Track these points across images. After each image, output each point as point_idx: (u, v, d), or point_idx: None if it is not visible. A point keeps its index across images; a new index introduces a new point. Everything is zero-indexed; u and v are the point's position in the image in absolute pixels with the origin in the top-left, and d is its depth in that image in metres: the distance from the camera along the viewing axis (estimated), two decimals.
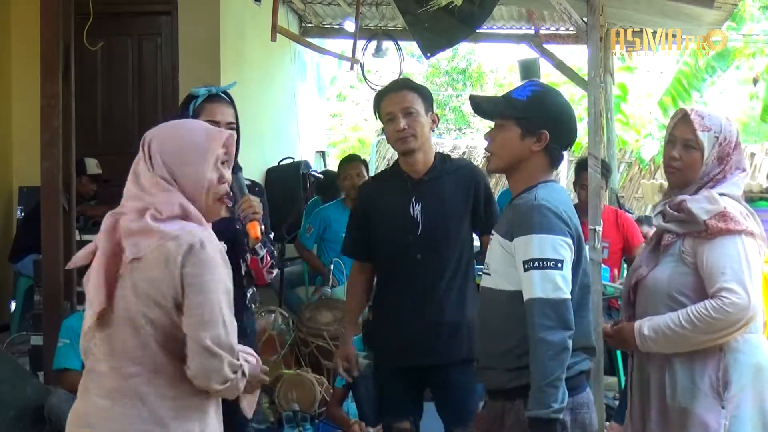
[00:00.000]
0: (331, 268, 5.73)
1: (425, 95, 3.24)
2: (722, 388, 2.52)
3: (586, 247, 2.43)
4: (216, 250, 2.05)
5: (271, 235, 3.16)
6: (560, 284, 2.27)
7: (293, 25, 9.13)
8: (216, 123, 2.78)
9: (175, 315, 2.02)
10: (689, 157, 2.63)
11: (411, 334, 3.19)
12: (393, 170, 3.37)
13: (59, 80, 4.58)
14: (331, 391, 4.65)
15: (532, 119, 2.39)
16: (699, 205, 2.55)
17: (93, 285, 2.05)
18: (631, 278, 2.73)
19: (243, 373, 2.08)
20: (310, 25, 9.72)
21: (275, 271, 3.11)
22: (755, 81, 12.33)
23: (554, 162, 2.44)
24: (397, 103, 3.17)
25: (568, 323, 2.26)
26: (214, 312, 2.00)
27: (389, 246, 3.23)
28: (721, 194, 2.58)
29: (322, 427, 4.57)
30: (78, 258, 2.14)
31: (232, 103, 2.94)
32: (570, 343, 2.25)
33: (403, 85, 3.28)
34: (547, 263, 2.27)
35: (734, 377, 2.52)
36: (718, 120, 2.65)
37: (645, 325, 2.55)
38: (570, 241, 2.31)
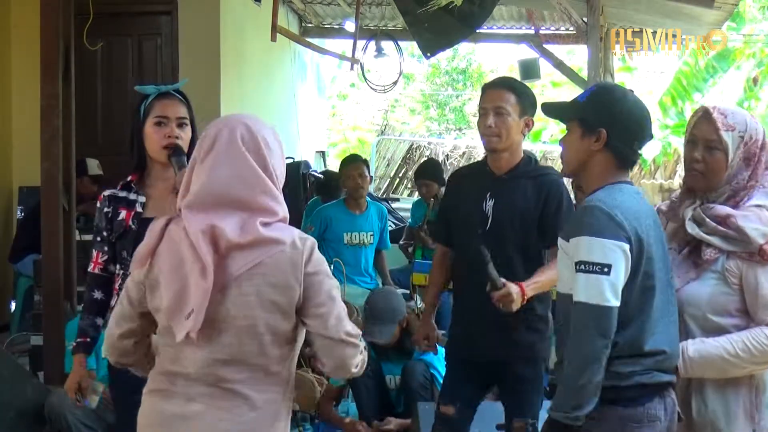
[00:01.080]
0: (331, 267, 5.73)
1: (524, 98, 3.22)
2: (756, 411, 2.44)
3: (654, 250, 2.26)
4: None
5: None
6: (605, 291, 2.16)
7: (293, 25, 9.14)
8: (166, 119, 2.85)
9: (294, 317, 2.05)
10: (713, 159, 2.45)
11: (482, 329, 3.21)
12: (481, 163, 3.41)
13: (59, 80, 4.58)
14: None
15: (589, 118, 2.32)
16: (752, 224, 2.38)
17: (196, 305, 1.96)
18: None
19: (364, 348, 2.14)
20: (310, 25, 9.73)
21: None
22: (755, 80, 12.33)
23: (622, 162, 2.32)
24: (491, 99, 3.19)
25: (606, 332, 2.16)
26: (339, 307, 2.08)
27: (461, 236, 3.30)
28: (758, 206, 2.43)
29: (322, 427, 4.58)
30: (140, 262, 2.07)
31: (184, 100, 2.95)
32: (605, 352, 2.16)
33: (501, 83, 3.29)
34: (593, 267, 2.17)
35: (763, 400, 2.45)
36: (743, 117, 2.47)
37: (690, 348, 2.39)
38: (625, 246, 2.18)
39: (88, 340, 2.93)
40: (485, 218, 3.16)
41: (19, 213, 6.82)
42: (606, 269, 2.17)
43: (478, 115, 3.29)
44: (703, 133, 2.47)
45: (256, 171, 2.03)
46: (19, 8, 6.98)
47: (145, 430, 2.10)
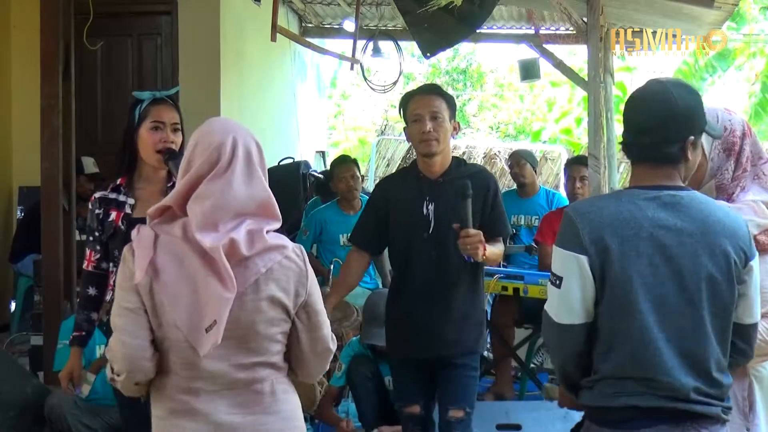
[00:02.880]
0: (331, 268, 5.73)
1: (451, 103, 3.39)
2: (748, 409, 2.45)
3: (632, 265, 2.04)
4: None
5: None
6: (552, 304, 2.10)
7: (293, 25, 9.14)
8: (162, 123, 2.94)
9: (290, 320, 2.13)
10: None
11: (422, 328, 3.34)
12: (410, 169, 3.52)
13: (59, 80, 4.59)
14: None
15: None
16: (746, 216, 2.40)
17: (219, 319, 1.97)
18: None
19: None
20: (310, 25, 9.73)
21: None
22: (757, 76, 12.34)
23: (631, 156, 2.19)
24: (425, 106, 3.31)
25: (559, 347, 2.13)
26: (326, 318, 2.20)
27: (404, 242, 3.38)
28: (753, 201, 2.46)
29: (322, 427, 4.58)
30: (142, 269, 2.02)
31: (176, 106, 3.06)
32: (569, 363, 2.11)
33: (432, 90, 3.44)
34: (551, 277, 2.11)
35: (757, 398, 2.46)
36: (713, 112, 2.54)
37: None
38: (580, 258, 2.03)
39: (84, 333, 3.08)
40: (428, 222, 3.28)
41: (19, 213, 6.83)
42: (558, 281, 2.08)
43: (408, 122, 3.36)
44: None
45: (266, 188, 2.10)
46: (19, 8, 6.99)
47: None
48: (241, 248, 2.01)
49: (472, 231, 3.14)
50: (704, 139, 2.47)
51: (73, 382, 3.10)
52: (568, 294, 2.06)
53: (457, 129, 3.40)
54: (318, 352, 2.16)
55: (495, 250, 3.30)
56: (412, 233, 3.33)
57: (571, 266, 2.05)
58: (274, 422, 2.09)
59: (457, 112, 3.42)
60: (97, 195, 3.01)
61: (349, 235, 5.84)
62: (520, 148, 7.18)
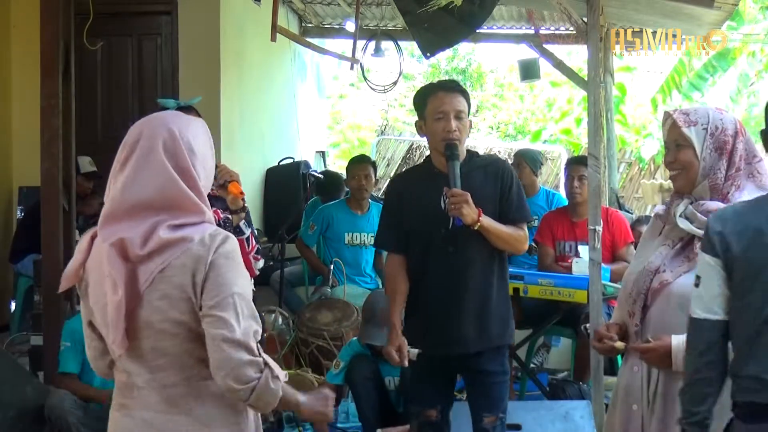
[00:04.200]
0: (331, 267, 5.73)
1: (469, 100, 3.39)
2: None
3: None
4: (236, 246, 2.05)
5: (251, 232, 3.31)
6: (692, 302, 2.23)
7: (293, 25, 9.13)
8: None
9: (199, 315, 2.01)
10: (681, 155, 2.55)
11: (444, 325, 3.29)
12: (424, 166, 3.49)
13: (59, 80, 4.59)
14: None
15: None
16: None
17: (112, 321, 1.97)
18: (648, 280, 2.57)
19: (274, 376, 2.02)
20: (310, 25, 9.72)
21: (261, 261, 3.21)
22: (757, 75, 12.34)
23: None
24: (450, 103, 3.28)
25: (693, 344, 2.22)
26: (238, 305, 1.99)
27: (422, 239, 3.32)
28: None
29: None
30: (68, 279, 2.07)
31: (198, 115, 3.02)
32: (699, 362, 2.20)
33: (456, 87, 3.39)
34: (695, 279, 2.24)
35: None
36: (704, 112, 2.56)
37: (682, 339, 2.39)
38: (713, 261, 2.18)
39: None
40: (446, 217, 3.22)
41: (19, 213, 6.83)
42: (697, 281, 2.22)
43: (429, 118, 3.31)
44: (671, 136, 2.59)
45: (174, 179, 2.00)
46: (19, 8, 6.99)
47: None
48: (132, 247, 1.96)
49: (457, 191, 3.14)
50: (695, 138, 2.52)
51: None
52: (706, 292, 2.19)
53: (470, 126, 3.39)
54: (215, 337, 1.95)
55: (503, 227, 3.25)
56: (430, 229, 3.28)
57: (706, 267, 2.20)
58: (185, 424, 2.02)
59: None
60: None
61: (354, 234, 5.88)
62: (525, 149, 7.13)
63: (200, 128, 2.13)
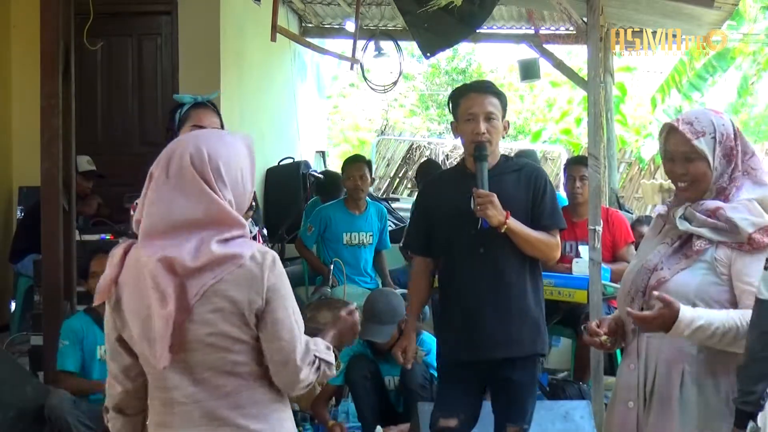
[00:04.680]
0: (331, 267, 5.73)
1: (504, 102, 3.33)
2: None
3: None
4: (280, 261, 2.10)
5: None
6: (761, 284, 2.23)
7: (293, 25, 9.13)
8: (204, 128, 2.83)
9: (255, 330, 2.04)
10: (696, 169, 2.51)
11: (472, 328, 3.25)
12: (458, 168, 3.47)
13: (59, 80, 4.58)
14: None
15: None
16: (741, 215, 2.44)
17: (160, 334, 1.97)
18: (646, 278, 2.57)
19: (327, 363, 2.13)
20: (310, 25, 9.72)
21: None
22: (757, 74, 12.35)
23: None
24: (481, 105, 3.24)
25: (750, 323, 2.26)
26: (295, 324, 2.08)
27: (452, 241, 3.30)
28: (747, 199, 2.48)
29: (323, 427, 4.57)
30: (102, 294, 2.07)
31: (216, 111, 2.97)
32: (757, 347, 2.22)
33: (488, 88, 3.34)
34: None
35: None
36: (707, 119, 2.53)
37: (690, 310, 2.39)
38: None
39: None
40: (476, 218, 3.18)
41: (19, 213, 6.82)
42: (767, 264, 2.21)
43: (461, 119, 3.29)
44: (677, 147, 2.54)
45: (209, 194, 2.01)
46: (19, 8, 6.98)
47: None
48: (181, 262, 1.97)
49: (482, 191, 3.12)
50: (707, 150, 2.49)
51: None
52: None
53: (506, 128, 3.34)
54: (279, 362, 2.04)
55: (532, 232, 3.21)
56: (460, 230, 3.25)
57: None
58: None
59: (506, 110, 3.33)
60: (138, 201, 2.99)
61: (352, 234, 5.88)
62: (527, 150, 7.15)
63: (238, 143, 2.12)
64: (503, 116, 3.30)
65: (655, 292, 2.46)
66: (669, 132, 2.57)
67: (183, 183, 2.02)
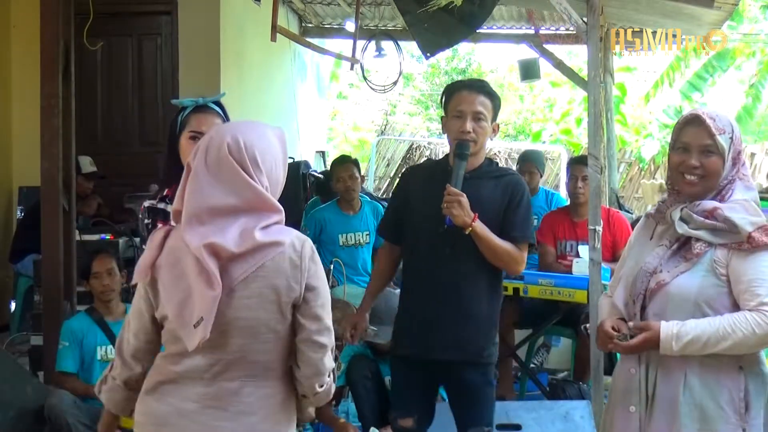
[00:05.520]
0: (331, 268, 5.73)
1: (497, 105, 3.29)
2: (744, 409, 2.45)
3: None
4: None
5: None
6: None
7: (293, 25, 9.14)
8: (201, 134, 2.76)
9: (290, 317, 2.11)
10: (710, 163, 2.49)
11: (433, 327, 3.22)
12: (440, 163, 3.43)
13: (59, 80, 4.58)
14: None
15: None
16: (739, 215, 2.44)
17: (205, 315, 2.02)
18: (646, 281, 2.55)
19: (335, 379, 2.20)
20: (310, 25, 9.73)
21: None
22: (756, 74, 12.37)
23: None
24: (471, 103, 3.20)
25: None
26: (329, 316, 2.16)
27: (419, 236, 3.27)
28: (743, 200, 2.49)
29: (323, 427, 4.57)
30: (141, 274, 2.13)
31: (221, 112, 2.92)
32: None
33: (482, 88, 3.29)
34: None
35: (753, 398, 2.47)
36: (727, 119, 2.53)
37: (675, 327, 2.42)
38: None
39: None
40: (444, 216, 3.14)
41: (19, 213, 6.83)
42: None
43: (449, 115, 3.26)
44: (696, 139, 2.50)
45: (247, 181, 2.07)
46: (19, 8, 6.99)
47: (142, 429, 2.16)
48: (227, 246, 2.02)
49: (452, 189, 3.09)
50: (726, 147, 2.48)
51: None
52: None
53: (495, 131, 3.29)
54: (309, 345, 2.11)
55: (495, 239, 3.16)
56: (429, 227, 3.20)
57: None
58: (221, 419, 2.07)
59: (498, 112, 3.27)
60: (146, 204, 2.97)
61: (348, 235, 5.87)
62: (533, 152, 7.06)
63: (273, 135, 2.19)
64: (494, 118, 3.26)
65: (630, 323, 2.51)
66: (689, 122, 2.53)
67: (222, 172, 2.07)
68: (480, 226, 3.12)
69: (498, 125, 3.33)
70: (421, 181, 3.37)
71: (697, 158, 2.50)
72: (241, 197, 2.06)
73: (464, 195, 3.09)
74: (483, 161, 3.30)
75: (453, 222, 3.10)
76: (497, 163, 3.42)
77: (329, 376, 2.16)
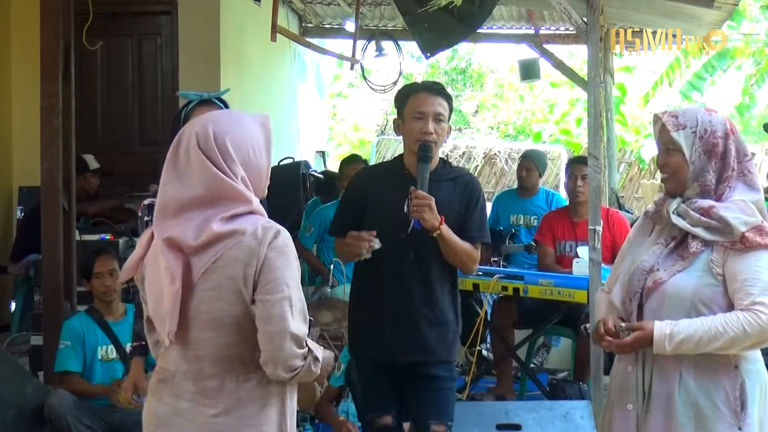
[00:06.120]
0: (331, 268, 5.73)
1: (451, 106, 3.33)
2: (740, 408, 2.47)
3: None
4: (289, 239, 2.11)
5: None
6: None
7: (293, 25, 9.13)
8: None
9: (251, 306, 2.07)
10: (671, 160, 2.56)
11: (402, 332, 3.22)
12: (394, 164, 3.40)
13: (59, 80, 4.58)
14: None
15: None
16: (734, 214, 2.46)
17: (169, 311, 2.03)
18: (643, 280, 2.57)
19: (315, 358, 2.11)
20: (310, 25, 9.72)
21: None
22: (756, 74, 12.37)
23: None
24: (431, 105, 3.21)
25: None
26: (290, 297, 2.07)
27: (382, 238, 3.20)
28: (741, 200, 2.50)
29: (322, 427, 4.57)
30: (127, 272, 2.17)
31: (224, 108, 2.92)
32: None
33: (439, 90, 3.31)
34: None
35: (749, 397, 2.47)
36: (693, 114, 2.56)
37: (668, 327, 2.43)
38: None
39: (144, 343, 2.92)
40: (407, 221, 3.13)
41: (19, 213, 6.82)
42: None
43: (408, 117, 3.24)
44: (661, 139, 2.59)
45: (214, 173, 2.05)
46: (19, 8, 6.99)
47: (146, 429, 2.19)
48: (185, 239, 2.02)
49: (422, 193, 3.08)
50: (684, 142, 2.53)
51: (137, 393, 3.05)
52: None
53: (448, 132, 3.30)
54: (269, 332, 2.03)
55: (455, 238, 3.16)
56: (390, 231, 3.17)
57: None
58: (212, 415, 2.08)
59: (454, 113, 3.35)
60: (146, 202, 2.98)
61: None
62: (535, 151, 7.05)
63: (248, 127, 2.16)
64: (449, 119, 3.28)
65: (623, 324, 2.51)
66: (654, 123, 2.64)
67: (190, 164, 2.07)
68: (447, 229, 3.13)
69: (450, 127, 3.34)
70: (378, 185, 3.34)
71: (663, 157, 2.60)
72: (209, 189, 2.04)
73: (433, 198, 3.09)
74: (438, 163, 3.30)
75: (422, 225, 3.08)
76: (450, 164, 3.43)
77: (303, 358, 2.07)
